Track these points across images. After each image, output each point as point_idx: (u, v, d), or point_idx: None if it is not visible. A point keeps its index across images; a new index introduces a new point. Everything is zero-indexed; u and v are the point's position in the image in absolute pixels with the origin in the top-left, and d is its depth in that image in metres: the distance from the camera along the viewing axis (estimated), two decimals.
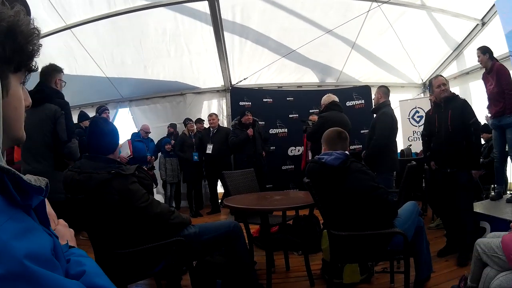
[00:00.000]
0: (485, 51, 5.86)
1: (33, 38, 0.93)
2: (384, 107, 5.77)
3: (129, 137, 8.76)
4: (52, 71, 4.26)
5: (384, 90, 5.93)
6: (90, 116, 7.40)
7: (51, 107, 3.99)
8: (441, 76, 5.02)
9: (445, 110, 4.75)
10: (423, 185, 6.89)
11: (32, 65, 0.96)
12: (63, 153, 4.04)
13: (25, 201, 0.81)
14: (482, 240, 3.01)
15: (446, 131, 4.72)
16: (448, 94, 4.80)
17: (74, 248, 1.21)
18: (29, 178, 0.83)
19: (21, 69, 0.93)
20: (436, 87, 4.84)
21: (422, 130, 5.82)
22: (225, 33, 8.33)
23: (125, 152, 7.01)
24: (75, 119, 5.91)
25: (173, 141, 9.17)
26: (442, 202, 5.00)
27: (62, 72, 4.42)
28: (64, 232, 1.35)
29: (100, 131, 3.04)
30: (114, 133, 3.11)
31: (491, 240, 2.91)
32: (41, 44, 0.96)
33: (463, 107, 4.66)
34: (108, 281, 1.01)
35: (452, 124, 4.65)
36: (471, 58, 8.19)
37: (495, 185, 6.36)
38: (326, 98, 6.43)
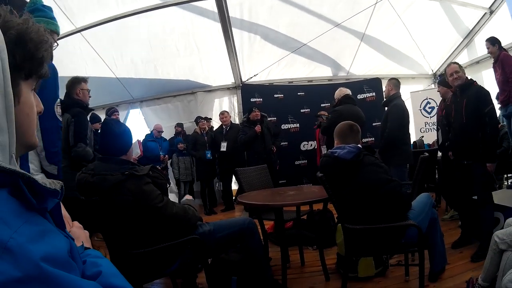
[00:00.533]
0: (494, 42, 5.87)
1: (42, 45, 0.94)
2: (395, 99, 5.77)
3: (143, 138, 8.82)
4: (72, 83, 4.72)
5: (395, 82, 5.92)
6: (101, 118, 7.50)
7: (66, 116, 4.35)
8: (454, 63, 4.75)
9: (461, 99, 4.53)
10: (436, 176, 6.85)
11: (43, 71, 0.98)
12: (71, 156, 4.36)
13: (41, 204, 0.83)
14: (499, 231, 2.98)
15: (460, 121, 4.55)
16: (462, 82, 4.52)
17: (90, 249, 1.23)
18: (44, 181, 0.85)
19: (32, 76, 0.95)
20: (449, 75, 4.64)
21: (442, 119, 5.80)
22: (233, 30, 8.32)
23: (135, 152, 7.05)
24: None
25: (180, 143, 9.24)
26: (457, 193, 4.95)
27: (84, 81, 4.82)
28: (79, 234, 1.37)
29: (111, 132, 3.06)
30: (126, 134, 3.13)
31: (509, 228, 2.89)
32: (51, 51, 0.98)
33: (478, 95, 4.35)
34: (125, 281, 1.03)
35: (467, 114, 4.42)
36: (480, 47, 8.13)
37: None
38: (339, 92, 6.44)
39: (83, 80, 4.82)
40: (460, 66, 4.60)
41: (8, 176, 0.77)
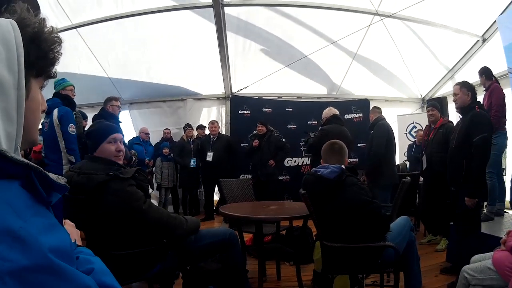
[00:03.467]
0: (481, 73, 5.99)
1: (55, 46, 0.98)
2: (380, 121, 5.93)
3: (128, 140, 8.79)
4: (107, 100, 6.36)
5: (374, 109, 6.43)
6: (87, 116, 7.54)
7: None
8: (456, 84, 4.60)
9: (461, 122, 4.48)
10: (417, 200, 6.94)
11: (52, 72, 1.02)
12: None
13: (48, 198, 0.87)
14: (468, 266, 3.01)
15: (451, 146, 4.54)
16: (460, 104, 4.43)
17: (82, 247, 1.27)
18: (52, 176, 0.89)
19: (42, 74, 0.99)
20: (452, 98, 4.57)
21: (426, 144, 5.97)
22: (228, 39, 8.38)
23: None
24: None
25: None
26: (437, 219, 5.01)
27: (115, 99, 6.44)
28: (71, 231, 1.40)
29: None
30: (93, 133, 3.16)
31: (479, 264, 2.92)
32: (61, 53, 1.02)
33: (471, 121, 4.22)
34: (115, 280, 1.07)
35: (458, 139, 4.39)
36: (472, 74, 8.26)
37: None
38: (328, 111, 6.50)
39: (114, 98, 6.43)
40: (463, 86, 4.43)
41: (21, 169, 0.80)
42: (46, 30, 0.96)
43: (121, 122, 6.44)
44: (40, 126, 5.20)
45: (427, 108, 6.33)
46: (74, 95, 5.59)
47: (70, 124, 5.16)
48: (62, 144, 5.14)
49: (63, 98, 5.34)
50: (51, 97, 5.39)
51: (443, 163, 5.01)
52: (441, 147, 5.47)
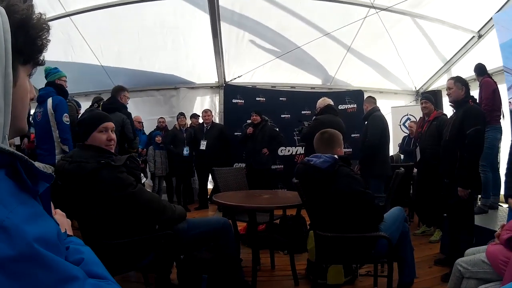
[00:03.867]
0: (474, 70, 6.06)
1: (43, 33, 0.96)
2: (374, 112, 5.93)
3: None
4: (119, 90, 6.32)
5: (369, 99, 6.35)
6: (83, 106, 7.51)
7: (121, 115, 5.96)
8: (451, 78, 4.62)
9: (454, 115, 4.50)
10: (411, 191, 6.96)
11: (40, 59, 1.00)
12: (132, 146, 6.38)
13: (34, 187, 0.85)
14: (462, 259, 3.02)
15: (445, 138, 4.57)
16: (454, 98, 4.44)
17: (72, 236, 1.25)
18: (39, 165, 0.87)
19: (30, 62, 0.97)
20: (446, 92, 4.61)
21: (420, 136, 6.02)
22: (222, 28, 8.33)
23: None
24: None
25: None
26: (431, 210, 5.02)
27: (127, 90, 6.48)
28: (62, 221, 1.39)
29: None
30: (83, 122, 3.14)
31: (473, 257, 2.93)
32: (49, 40, 1.00)
33: (465, 114, 4.25)
34: (105, 270, 1.05)
35: (451, 132, 4.40)
36: (466, 70, 8.25)
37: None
38: (322, 102, 6.50)
39: (126, 89, 6.47)
40: (457, 81, 4.46)
41: (6, 157, 0.79)
42: (34, 16, 0.94)
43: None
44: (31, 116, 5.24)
45: (421, 100, 6.33)
46: (67, 86, 5.63)
47: (65, 114, 5.16)
48: (55, 133, 5.14)
49: (57, 88, 5.34)
50: (43, 86, 5.42)
51: (436, 155, 5.04)
52: (434, 139, 5.50)
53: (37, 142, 5.40)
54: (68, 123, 5.13)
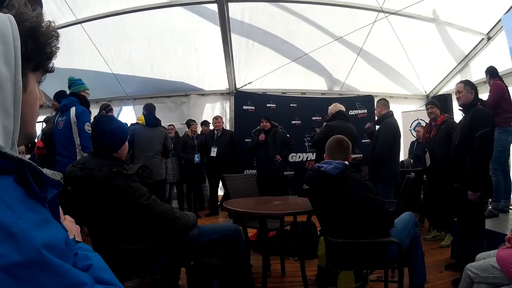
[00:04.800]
0: (486, 73, 5.98)
1: (52, 40, 0.98)
2: (387, 117, 5.87)
3: None
4: (154, 107, 7.57)
5: (383, 102, 6.10)
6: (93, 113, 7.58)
7: (162, 130, 7.35)
8: (461, 82, 4.62)
9: (464, 119, 4.45)
10: (422, 196, 6.92)
11: (49, 66, 1.02)
12: (167, 156, 7.79)
13: (42, 194, 0.86)
14: (472, 264, 2.99)
15: (454, 142, 4.55)
16: (463, 102, 4.42)
17: (81, 243, 1.25)
18: (47, 172, 0.88)
19: (39, 68, 0.98)
20: (456, 96, 4.60)
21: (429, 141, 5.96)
22: (232, 35, 8.37)
23: None
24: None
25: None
26: (441, 215, 4.98)
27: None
28: (71, 227, 1.38)
29: (103, 129, 3.08)
30: (118, 132, 3.13)
31: (483, 262, 2.90)
32: (59, 47, 1.01)
33: (474, 117, 4.23)
34: (114, 276, 1.05)
35: (461, 135, 4.37)
36: (476, 72, 8.19)
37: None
38: (333, 107, 6.50)
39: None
40: (466, 85, 4.46)
41: (15, 164, 0.80)
42: (43, 24, 0.96)
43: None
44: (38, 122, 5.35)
45: (426, 106, 6.30)
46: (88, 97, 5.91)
47: (87, 123, 5.34)
48: (77, 141, 5.30)
49: (79, 98, 5.55)
50: (55, 91, 5.86)
51: (446, 159, 5.04)
52: (444, 143, 5.50)
53: (57, 149, 5.50)
54: (89, 131, 5.20)
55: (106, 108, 7.27)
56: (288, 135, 9.01)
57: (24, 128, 0.93)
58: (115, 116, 8.86)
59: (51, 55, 1.00)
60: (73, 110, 5.32)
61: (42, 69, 1.00)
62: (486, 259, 2.91)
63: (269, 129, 8.21)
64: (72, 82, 5.72)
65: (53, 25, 0.99)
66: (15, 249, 0.70)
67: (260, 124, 8.30)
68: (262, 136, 8.11)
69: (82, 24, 7.79)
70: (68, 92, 5.82)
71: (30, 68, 0.94)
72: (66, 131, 5.33)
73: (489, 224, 4.74)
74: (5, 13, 0.89)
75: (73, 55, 8.43)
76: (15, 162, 0.80)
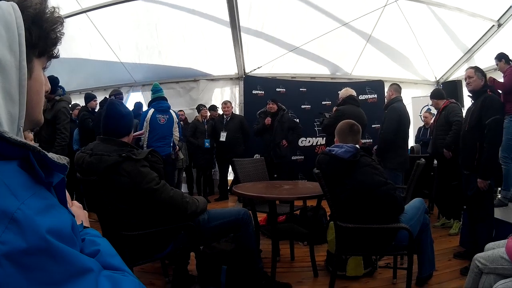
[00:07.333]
0: (500, 57, 5.86)
1: (57, 26, 0.97)
2: (395, 103, 5.81)
3: None
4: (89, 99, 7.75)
5: (395, 87, 6.04)
6: (98, 98, 7.69)
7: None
8: (471, 67, 4.52)
9: (473, 105, 4.41)
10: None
11: (55, 52, 1.01)
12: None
13: (48, 179, 0.85)
14: (480, 254, 2.94)
15: (464, 129, 4.50)
16: (473, 88, 4.35)
17: (89, 228, 1.24)
18: (52, 156, 0.87)
19: (44, 55, 0.98)
20: (465, 80, 4.53)
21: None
22: (240, 21, 8.28)
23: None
24: (82, 102, 8.04)
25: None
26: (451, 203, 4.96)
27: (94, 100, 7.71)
28: (79, 213, 1.38)
29: (118, 113, 3.08)
30: (130, 117, 3.16)
31: (491, 252, 2.86)
32: (63, 33, 1.01)
33: (483, 104, 4.18)
34: (122, 261, 1.04)
35: (470, 122, 4.32)
36: (485, 59, 8.09)
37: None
38: (344, 92, 6.50)
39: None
40: (477, 71, 4.39)
41: (19, 149, 0.79)
42: (47, 10, 0.95)
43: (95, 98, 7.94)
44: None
45: (430, 98, 6.33)
46: None
47: (179, 122, 7.30)
48: (175, 133, 6.72)
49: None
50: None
51: (446, 144, 5.19)
52: (443, 129, 5.58)
53: (158, 138, 6.50)
54: (181, 127, 7.35)
55: (116, 94, 7.27)
56: (297, 120, 9.02)
57: (30, 114, 0.92)
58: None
59: (56, 40, 0.99)
60: (173, 113, 6.75)
61: (47, 55, 0.99)
62: (495, 250, 2.86)
63: (275, 112, 8.11)
64: (159, 89, 6.76)
65: (57, 11, 0.98)
66: (19, 236, 0.69)
67: (267, 106, 8.20)
68: (268, 120, 8.02)
69: (87, 13, 7.74)
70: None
71: (35, 54, 0.94)
72: (168, 126, 6.57)
73: (498, 213, 4.71)
74: (8, 0, 0.88)
75: (79, 45, 8.46)
76: (19, 147, 0.79)
